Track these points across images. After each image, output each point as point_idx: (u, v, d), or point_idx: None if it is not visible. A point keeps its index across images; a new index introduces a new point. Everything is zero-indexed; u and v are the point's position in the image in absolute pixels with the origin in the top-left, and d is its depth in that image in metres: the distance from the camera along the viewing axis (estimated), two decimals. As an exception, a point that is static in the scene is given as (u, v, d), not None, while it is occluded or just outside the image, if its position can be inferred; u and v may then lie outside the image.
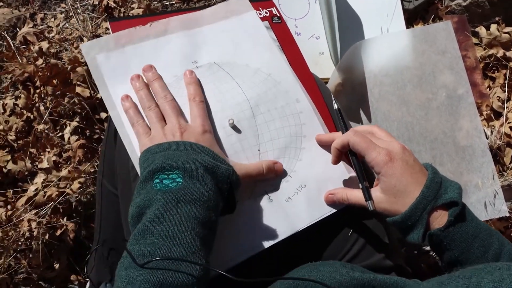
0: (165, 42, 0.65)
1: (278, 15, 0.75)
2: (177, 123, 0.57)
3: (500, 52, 0.97)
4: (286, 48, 0.71)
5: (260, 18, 0.72)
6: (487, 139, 0.87)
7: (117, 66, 0.63)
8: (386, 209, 0.55)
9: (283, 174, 0.62)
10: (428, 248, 0.91)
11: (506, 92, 0.94)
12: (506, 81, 0.95)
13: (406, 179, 0.53)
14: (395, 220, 0.54)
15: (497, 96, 0.94)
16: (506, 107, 0.92)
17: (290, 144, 0.64)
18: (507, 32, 0.98)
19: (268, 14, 0.74)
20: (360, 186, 0.58)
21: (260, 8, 0.74)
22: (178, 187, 0.48)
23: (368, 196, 0.56)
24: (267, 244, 0.58)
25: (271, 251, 0.58)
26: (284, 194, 0.62)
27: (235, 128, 0.62)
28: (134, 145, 0.60)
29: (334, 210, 0.62)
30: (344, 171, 0.64)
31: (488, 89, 0.96)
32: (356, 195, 0.58)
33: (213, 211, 0.50)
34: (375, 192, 0.56)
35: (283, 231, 0.59)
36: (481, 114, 0.92)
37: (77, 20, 1.10)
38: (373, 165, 0.55)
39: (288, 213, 0.61)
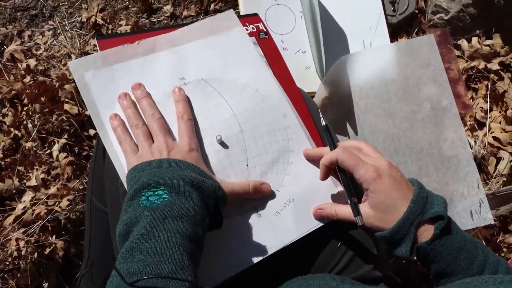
0: (153, 60, 0.66)
1: (265, 30, 0.76)
2: (164, 142, 0.57)
3: (482, 64, 1.00)
4: (273, 63, 0.72)
5: (247, 33, 0.73)
6: (471, 149, 0.89)
7: (105, 84, 0.63)
8: (374, 224, 0.56)
9: (271, 195, 0.63)
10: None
11: (488, 103, 0.96)
12: (488, 92, 0.97)
13: (393, 195, 0.55)
14: (384, 235, 0.55)
15: (480, 107, 0.96)
16: (489, 117, 0.94)
17: (278, 159, 0.65)
18: (487, 45, 1.01)
19: (255, 30, 0.76)
20: (349, 202, 0.59)
21: (247, 24, 0.76)
22: (164, 203, 0.49)
23: (356, 212, 0.57)
24: (256, 259, 0.58)
25: (260, 265, 0.58)
26: (273, 209, 0.62)
27: (223, 144, 0.63)
28: (122, 163, 0.60)
29: (322, 224, 0.62)
30: (332, 185, 0.65)
31: (471, 100, 0.99)
32: (344, 211, 0.59)
33: (199, 226, 0.50)
34: (364, 207, 0.57)
35: (272, 246, 0.60)
36: (465, 125, 0.94)
37: (65, 37, 1.10)
38: (362, 181, 0.56)
39: (276, 227, 0.61)
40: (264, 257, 0.59)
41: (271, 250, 0.59)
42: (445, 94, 0.91)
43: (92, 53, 1.07)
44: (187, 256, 0.47)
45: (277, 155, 0.65)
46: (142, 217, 0.48)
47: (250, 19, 0.77)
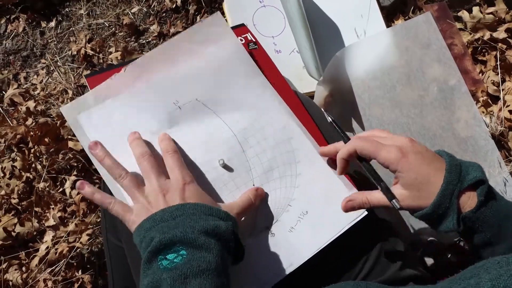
0: (144, 87, 0.63)
1: (254, 40, 0.74)
2: (157, 185, 0.55)
3: (487, 35, 0.94)
4: (266, 72, 0.70)
5: (236, 46, 0.70)
6: (487, 126, 0.84)
7: (100, 122, 0.62)
8: (411, 204, 0.53)
9: (266, 197, 0.61)
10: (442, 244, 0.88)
11: (499, 74, 0.91)
12: (498, 63, 0.92)
13: (424, 169, 0.51)
14: (425, 212, 0.52)
15: (491, 80, 0.91)
16: (502, 90, 0.90)
17: (285, 173, 0.63)
18: (490, 13, 0.95)
19: (243, 41, 0.73)
20: (380, 188, 0.56)
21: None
22: (183, 261, 0.46)
23: (390, 196, 0.54)
24: (275, 280, 0.57)
25: (282, 282, 0.57)
26: (287, 225, 0.60)
27: (226, 167, 0.61)
28: (126, 198, 0.59)
29: (340, 233, 0.60)
30: (345, 189, 0.62)
31: (481, 74, 0.94)
32: (376, 197, 0.56)
33: (224, 276, 0.48)
34: (397, 189, 0.54)
35: (290, 264, 0.58)
36: (477, 102, 0.90)
37: (59, 73, 1.10)
38: (388, 164, 0.53)
39: (293, 243, 0.59)
40: (282, 277, 0.57)
41: (290, 269, 0.58)
42: (451, 72, 0.87)
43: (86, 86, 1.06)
44: None
45: (284, 169, 0.63)
46: (162, 280, 0.45)
47: (237, 30, 0.74)
